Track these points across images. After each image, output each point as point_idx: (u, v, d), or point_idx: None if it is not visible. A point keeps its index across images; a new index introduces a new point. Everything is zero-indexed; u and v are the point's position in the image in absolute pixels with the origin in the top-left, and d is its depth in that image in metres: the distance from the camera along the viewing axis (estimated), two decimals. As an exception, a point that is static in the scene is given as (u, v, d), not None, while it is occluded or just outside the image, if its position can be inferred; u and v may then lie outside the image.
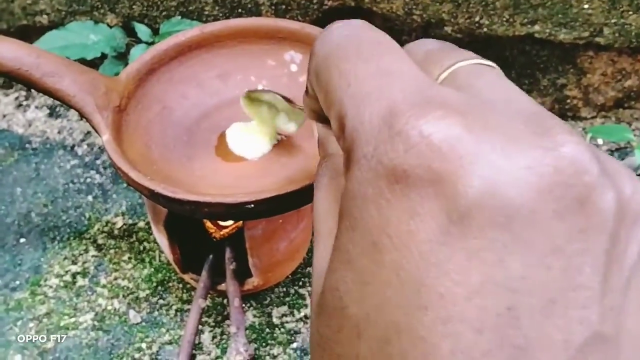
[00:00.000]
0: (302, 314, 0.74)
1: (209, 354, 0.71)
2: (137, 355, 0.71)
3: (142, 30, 0.86)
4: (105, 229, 0.84)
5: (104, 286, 0.77)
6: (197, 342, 0.72)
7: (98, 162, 0.93)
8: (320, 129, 0.32)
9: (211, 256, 0.73)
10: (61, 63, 0.60)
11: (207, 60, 0.71)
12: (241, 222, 0.71)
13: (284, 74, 0.72)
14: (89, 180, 0.90)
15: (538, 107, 0.22)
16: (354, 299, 0.21)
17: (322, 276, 0.23)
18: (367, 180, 0.20)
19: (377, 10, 0.86)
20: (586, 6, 0.81)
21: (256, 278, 0.71)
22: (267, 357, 0.71)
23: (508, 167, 0.19)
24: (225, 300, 0.75)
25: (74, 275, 0.79)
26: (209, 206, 0.54)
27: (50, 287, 0.78)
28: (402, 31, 0.89)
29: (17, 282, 0.78)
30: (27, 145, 0.96)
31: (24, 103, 1.03)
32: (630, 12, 0.81)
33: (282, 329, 0.73)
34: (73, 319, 0.74)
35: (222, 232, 0.75)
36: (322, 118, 0.29)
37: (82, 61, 0.73)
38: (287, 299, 0.76)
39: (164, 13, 0.89)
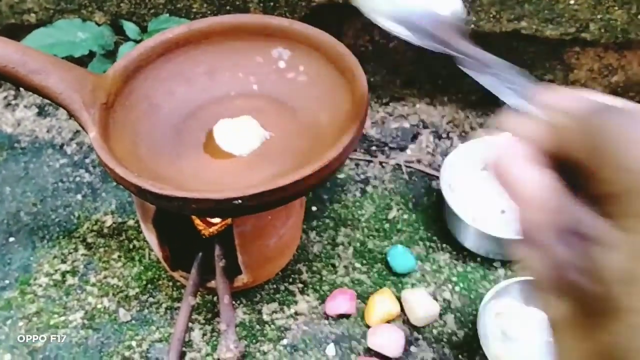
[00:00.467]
0: (292, 310, 0.74)
1: (199, 351, 0.71)
2: (127, 354, 0.71)
3: (130, 28, 0.86)
4: (95, 227, 0.84)
5: (93, 285, 0.77)
6: (187, 339, 0.72)
7: (87, 161, 0.93)
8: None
9: (201, 254, 0.73)
10: (47, 60, 0.60)
11: (195, 57, 0.71)
12: (230, 219, 0.71)
13: (272, 70, 0.72)
14: (78, 179, 0.90)
15: None
16: None
17: None
18: None
19: (366, 7, 0.86)
20: (572, 2, 0.82)
21: (246, 275, 0.71)
22: (258, 354, 0.71)
23: None
24: (215, 298, 0.75)
25: (63, 274, 0.78)
26: (196, 202, 0.54)
27: (40, 286, 0.77)
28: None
29: (7, 281, 0.78)
30: (15, 145, 0.95)
31: (13, 102, 1.03)
32: (616, 8, 0.82)
33: (272, 326, 0.73)
34: (63, 318, 0.74)
35: (211, 230, 0.75)
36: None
37: (70, 59, 0.73)
38: (277, 295, 0.76)
39: (152, 11, 0.89)
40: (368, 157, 0.93)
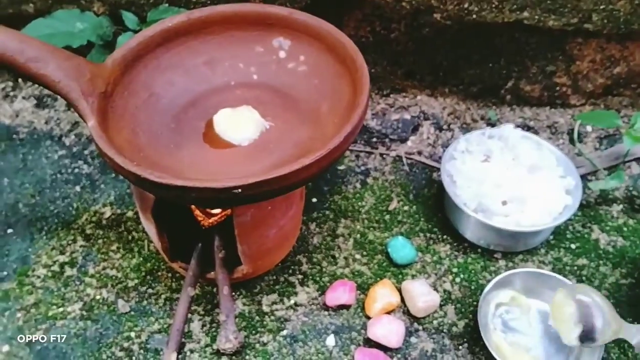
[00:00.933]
0: (292, 301, 0.74)
1: (198, 342, 0.71)
2: (126, 345, 0.71)
3: (129, 18, 0.86)
4: (94, 219, 0.83)
5: (92, 276, 0.77)
6: (186, 330, 0.72)
7: (86, 152, 0.92)
8: None
9: (200, 244, 0.73)
10: (45, 49, 0.59)
11: (195, 47, 0.71)
12: (230, 209, 0.71)
13: (273, 60, 0.72)
14: (76, 170, 0.90)
15: None
16: None
17: None
18: None
19: (366, -2, 0.86)
20: (575, -8, 0.81)
21: (245, 266, 0.70)
22: (257, 345, 0.71)
23: None
24: (214, 289, 0.75)
25: (62, 266, 0.78)
26: (195, 191, 0.54)
27: (38, 277, 0.77)
28: (391, 19, 0.88)
29: (5, 273, 0.77)
30: (14, 136, 0.95)
31: (11, 93, 1.02)
32: (619, -2, 0.81)
33: (272, 317, 0.73)
34: (61, 309, 0.74)
35: (210, 220, 0.75)
36: None
37: (69, 49, 0.71)
38: (277, 286, 0.76)
39: (151, 0, 0.88)
40: (369, 149, 0.92)
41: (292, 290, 0.76)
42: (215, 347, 0.69)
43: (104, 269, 0.78)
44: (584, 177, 0.87)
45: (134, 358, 0.69)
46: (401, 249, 0.77)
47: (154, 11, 0.85)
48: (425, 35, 0.89)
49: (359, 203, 0.85)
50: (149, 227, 0.70)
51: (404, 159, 0.91)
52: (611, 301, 0.74)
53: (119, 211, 0.84)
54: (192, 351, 0.70)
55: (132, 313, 0.73)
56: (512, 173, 0.78)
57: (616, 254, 0.79)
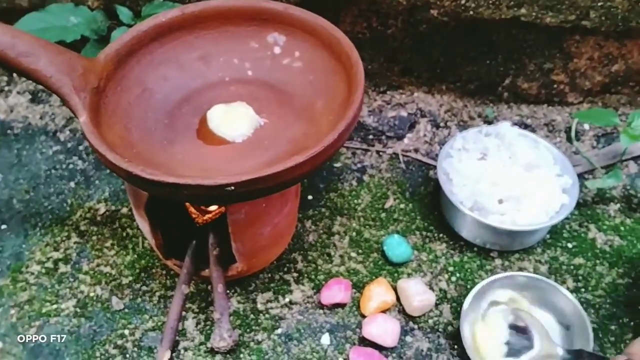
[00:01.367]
0: (287, 299, 0.74)
1: (192, 340, 0.70)
2: (119, 342, 0.70)
3: (124, 13, 0.85)
4: (88, 215, 0.83)
5: (86, 273, 0.76)
6: (180, 328, 0.71)
7: (80, 148, 0.91)
8: None
9: (194, 242, 0.72)
10: (37, 43, 0.59)
11: (189, 42, 0.70)
12: (224, 206, 0.70)
13: (267, 56, 0.71)
14: (71, 166, 0.89)
15: None
16: None
17: None
18: None
19: (363, -6, 0.85)
20: (573, -11, 0.81)
21: (240, 264, 0.70)
22: (252, 343, 0.70)
23: None
24: (209, 287, 0.74)
25: (55, 262, 0.78)
26: (188, 188, 0.53)
27: (32, 273, 0.76)
28: (388, 15, 0.88)
29: (-2, 269, 0.77)
30: (8, 131, 0.94)
31: (6, 88, 1.01)
32: (617, -5, 0.81)
33: (267, 315, 0.73)
34: (55, 306, 0.73)
35: (205, 218, 0.74)
36: None
37: (62, 44, 0.71)
38: (272, 284, 0.75)
39: (146, -5, 0.87)
40: (365, 146, 0.92)
41: (287, 288, 0.75)
42: (209, 345, 0.69)
43: (98, 265, 0.77)
44: (581, 176, 0.86)
45: (127, 356, 0.69)
46: (397, 247, 0.77)
47: (148, 5, 0.85)
48: (422, 32, 0.89)
49: (355, 201, 0.85)
50: (143, 224, 0.69)
51: (401, 157, 0.90)
52: (608, 301, 0.74)
53: (113, 208, 0.84)
54: (186, 349, 0.70)
55: (126, 310, 0.73)
56: (508, 171, 0.78)
57: (613, 253, 0.79)
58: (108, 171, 0.88)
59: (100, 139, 0.55)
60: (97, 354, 0.69)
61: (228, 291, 0.73)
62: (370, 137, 0.93)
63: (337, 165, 0.89)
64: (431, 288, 0.75)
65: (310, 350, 0.69)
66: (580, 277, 0.77)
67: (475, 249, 0.79)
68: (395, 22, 0.88)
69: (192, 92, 0.69)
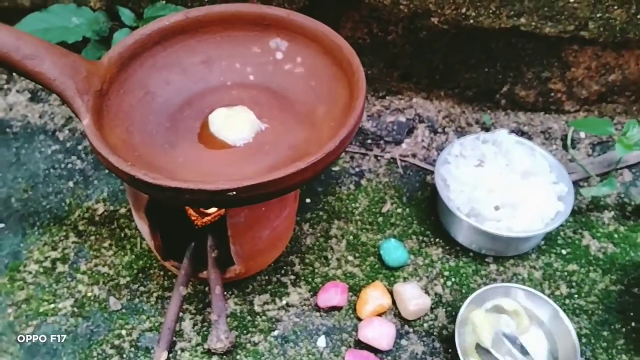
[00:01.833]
0: (284, 302, 0.74)
1: (189, 341, 0.71)
2: (117, 342, 0.71)
3: (126, 14, 0.85)
4: (86, 215, 0.83)
5: (84, 273, 0.77)
6: (177, 329, 0.72)
7: (79, 147, 0.92)
8: None
9: (193, 243, 0.73)
10: (41, 46, 0.59)
11: (192, 46, 0.70)
12: (223, 209, 0.71)
13: (269, 61, 0.72)
14: (70, 165, 0.89)
15: None
16: None
17: None
18: None
19: (364, 0, 0.85)
20: (572, 0, 0.82)
21: (238, 266, 0.70)
22: (248, 345, 0.71)
23: None
24: (206, 288, 0.75)
25: (53, 262, 0.78)
26: (190, 193, 0.54)
27: (30, 273, 0.77)
28: (388, 21, 0.88)
29: (-4, 268, 0.77)
30: (7, 130, 0.94)
31: (5, 87, 1.01)
32: (615, 7, 0.82)
33: (264, 317, 0.73)
34: (52, 306, 0.74)
35: (204, 220, 0.75)
36: None
37: (64, 45, 0.71)
38: (269, 287, 0.76)
39: (148, -3, 0.88)
40: (363, 150, 0.92)
41: (284, 290, 0.76)
42: (206, 346, 0.70)
43: (95, 265, 0.78)
44: (576, 184, 0.87)
45: (124, 356, 0.69)
46: (393, 251, 0.78)
47: (150, 8, 0.85)
48: (422, 39, 0.89)
49: (353, 204, 0.85)
50: (142, 225, 0.70)
51: (399, 162, 0.91)
52: (600, 307, 0.75)
53: (111, 208, 0.84)
54: (183, 350, 0.70)
55: (124, 311, 0.73)
56: (505, 178, 0.79)
57: (606, 260, 0.80)
58: (107, 171, 0.88)
59: (103, 142, 0.56)
60: (94, 353, 0.69)
61: (225, 293, 0.73)
62: (369, 141, 0.94)
63: (336, 169, 0.90)
64: (427, 292, 0.76)
65: (306, 353, 0.70)
66: (573, 284, 0.77)
67: (471, 254, 0.80)
68: (396, 28, 0.89)
69: (194, 95, 0.69)
